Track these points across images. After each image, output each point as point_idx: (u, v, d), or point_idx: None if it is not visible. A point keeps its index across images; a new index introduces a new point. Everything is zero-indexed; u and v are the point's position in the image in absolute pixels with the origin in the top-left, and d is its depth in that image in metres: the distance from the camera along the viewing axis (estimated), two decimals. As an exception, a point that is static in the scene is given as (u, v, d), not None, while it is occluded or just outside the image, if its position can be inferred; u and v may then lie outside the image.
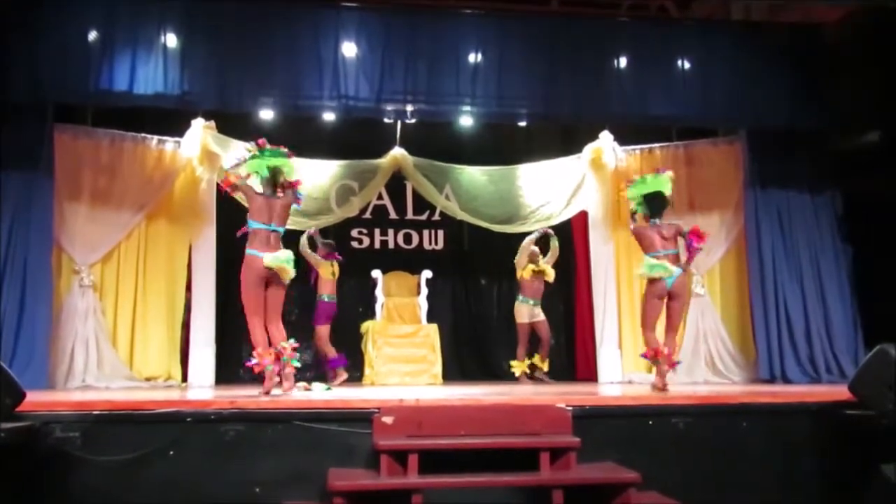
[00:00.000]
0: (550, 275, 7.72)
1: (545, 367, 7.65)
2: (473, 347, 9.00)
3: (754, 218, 7.33)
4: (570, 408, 4.34)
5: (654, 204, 5.90)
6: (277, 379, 5.17)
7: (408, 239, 9.07)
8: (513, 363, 7.68)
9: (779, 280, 7.23)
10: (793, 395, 5.03)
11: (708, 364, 7.40)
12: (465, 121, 7.35)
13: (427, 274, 8.49)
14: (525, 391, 5.87)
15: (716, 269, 7.64)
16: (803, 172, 7.40)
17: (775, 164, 7.36)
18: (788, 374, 7.05)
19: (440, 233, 9.09)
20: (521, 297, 7.71)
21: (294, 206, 5.55)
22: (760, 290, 7.21)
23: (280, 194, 5.42)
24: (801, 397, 4.81)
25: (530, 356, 7.70)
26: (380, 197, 8.77)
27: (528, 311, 7.64)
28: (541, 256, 7.73)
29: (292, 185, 5.48)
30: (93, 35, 6.32)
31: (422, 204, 8.72)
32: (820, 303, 7.18)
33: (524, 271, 7.68)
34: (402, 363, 7.75)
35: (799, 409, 4.61)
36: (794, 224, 7.35)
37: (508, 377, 7.70)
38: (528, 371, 7.62)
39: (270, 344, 5.21)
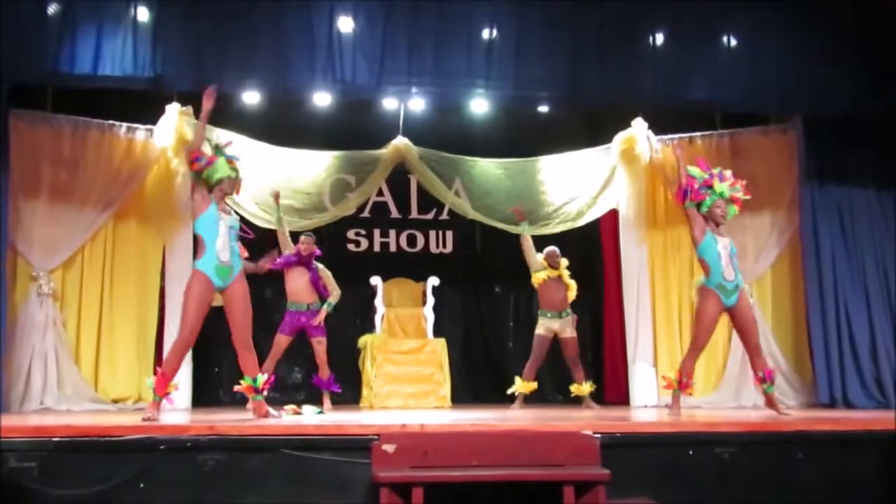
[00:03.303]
0: (572, 288, 7.45)
1: (586, 391, 7.31)
2: (486, 365, 9.00)
3: (811, 217, 7.32)
4: (598, 435, 4.32)
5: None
6: None
7: (412, 241, 9.08)
8: (517, 380, 7.37)
9: (840, 289, 7.22)
10: (857, 421, 5.01)
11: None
12: (478, 106, 7.36)
13: (434, 281, 8.51)
14: (528, 416, 5.84)
15: (766, 277, 7.62)
16: (868, 165, 7.39)
17: (836, 155, 7.35)
18: (851, 397, 7.03)
19: (449, 234, 9.11)
20: (540, 310, 7.42)
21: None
22: (819, 301, 7.19)
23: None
24: (866, 425, 4.78)
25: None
26: (380, 193, 8.79)
27: (547, 323, 7.35)
28: (563, 261, 7.45)
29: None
30: (52, 8, 6.35)
31: (428, 201, 8.73)
32: (887, 315, 7.16)
33: (535, 276, 7.40)
34: (406, 383, 7.76)
35: (864, 439, 4.57)
36: (858, 224, 7.35)
37: (527, 399, 7.65)
38: (526, 393, 7.34)
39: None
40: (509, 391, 7.44)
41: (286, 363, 7.93)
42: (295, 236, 7.06)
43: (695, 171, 5.83)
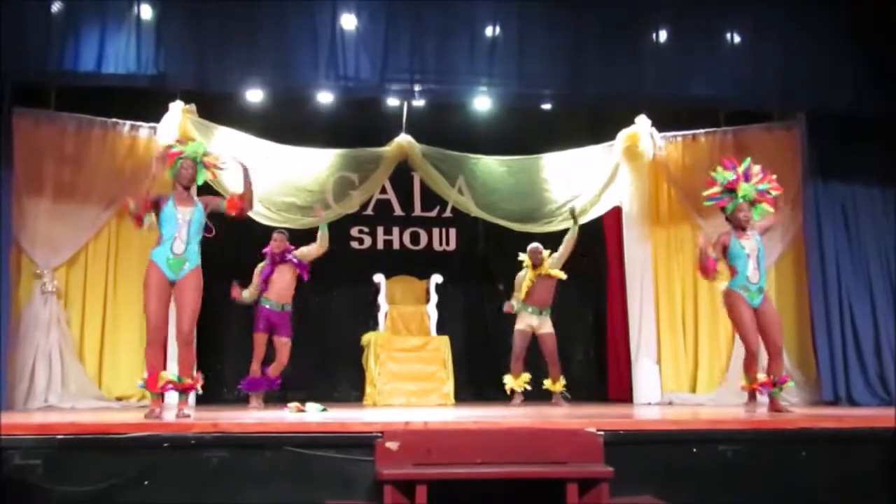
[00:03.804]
0: (560, 274, 7.46)
1: (558, 388, 7.41)
2: (489, 363, 8.97)
3: (815, 215, 7.31)
4: (601, 432, 4.31)
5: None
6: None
7: (415, 239, 9.08)
8: (505, 378, 7.46)
9: (844, 286, 7.21)
10: (861, 419, 4.99)
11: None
12: (481, 103, 7.35)
13: (437, 279, 8.51)
14: (532, 414, 5.84)
15: (770, 274, 7.56)
16: (872, 163, 7.37)
17: (839, 153, 7.33)
18: (855, 394, 7.02)
19: (452, 232, 9.10)
20: (522, 304, 7.49)
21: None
22: (822, 298, 7.18)
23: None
24: (870, 422, 4.76)
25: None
26: (383, 191, 8.79)
27: (527, 319, 7.44)
28: (546, 255, 7.46)
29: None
30: (56, 6, 6.35)
31: (431, 199, 8.72)
32: (891, 313, 7.15)
33: (521, 289, 7.49)
34: (409, 381, 7.76)
35: (868, 436, 4.56)
36: (862, 222, 7.34)
37: (530, 397, 7.67)
38: (516, 389, 7.41)
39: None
40: (507, 388, 7.46)
41: (289, 360, 7.92)
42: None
43: (719, 173, 5.77)
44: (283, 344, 6.93)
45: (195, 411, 6.45)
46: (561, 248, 7.50)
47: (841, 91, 7.04)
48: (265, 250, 7.04)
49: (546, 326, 7.48)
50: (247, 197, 5.30)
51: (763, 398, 5.85)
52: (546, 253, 7.51)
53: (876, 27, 7.02)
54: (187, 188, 5.16)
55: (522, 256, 7.55)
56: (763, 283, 5.67)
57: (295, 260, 7.00)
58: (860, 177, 7.36)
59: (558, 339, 7.52)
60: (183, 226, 5.03)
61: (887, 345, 7.09)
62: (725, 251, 5.71)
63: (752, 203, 5.71)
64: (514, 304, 7.48)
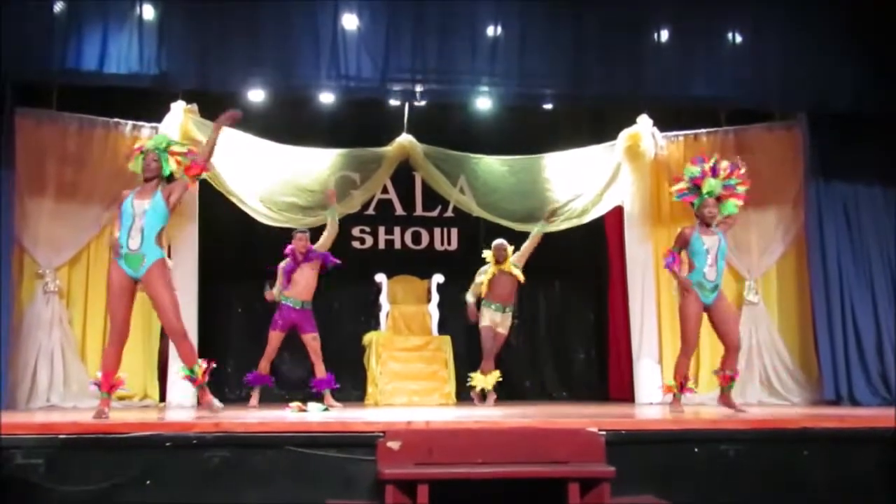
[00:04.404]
0: (519, 274, 7.39)
1: (484, 384, 7.24)
2: (491, 363, 8.99)
3: (816, 214, 7.30)
4: (602, 432, 4.31)
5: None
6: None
7: (417, 238, 9.07)
8: (472, 376, 7.31)
9: (845, 285, 7.20)
10: (862, 418, 4.98)
11: (763, 382, 7.37)
12: (483, 103, 7.35)
13: (438, 278, 8.51)
14: (533, 413, 5.84)
15: (772, 273, 7.61)
16: (873, 162, 7.36)
17: (841, 152, 7.32)
18: (857, 394, 7.01)
19: (454, 231, 9.09)
20: (484, 301, 7.39)
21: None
22: (824, 297, 7.17)
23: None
24: (872, 422, 4.75)
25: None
26: (384, 190, 8.79)
27: (490, 315, 7.32)
28: (510, 252, 7.39)
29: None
30: (58, 6, 6.35)
31: (433, 198, 8.71)
32: (893, 312, 7.14)
33: (480, 281, 7.39)
34: (410, 380, 7.76)
35: (870, 436, 4.55)
36: (864, 221, 7.34)
37: (531, 396, 7.66)
38: (487, 387, 7.24)
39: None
40: (478, 388, 7.31)
41: (291, 359, 7.93)
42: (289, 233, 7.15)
43: (686, 169, 5.81)
44: (312, 339, 6.95)
45: (197, 410, 6.46)
46: (525, 244, 7.42)
47: (841, 91, 7.04)
48: (287, 250, 7.05)
49: (504, 326, 7.39)
50: (207, 154, 5.23)
51: (689, 397, 5.94)
52: (511, 249, 7.45)
53: (876, 27, 7.02)
54: (149, 180, 5.13)
55: (486, 253, 7.48)
56: (720, 281, 5.71)
57: (319, 254, 7.02)
58: (861, 176, 7.36)
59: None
60: (136, 218, 5.01)
61: (889, 344, 7.08)
62: (686, 245, 5.74)
63: (720, 199, 5.73)
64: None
